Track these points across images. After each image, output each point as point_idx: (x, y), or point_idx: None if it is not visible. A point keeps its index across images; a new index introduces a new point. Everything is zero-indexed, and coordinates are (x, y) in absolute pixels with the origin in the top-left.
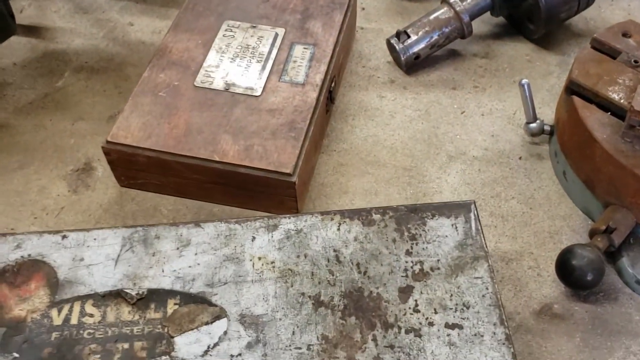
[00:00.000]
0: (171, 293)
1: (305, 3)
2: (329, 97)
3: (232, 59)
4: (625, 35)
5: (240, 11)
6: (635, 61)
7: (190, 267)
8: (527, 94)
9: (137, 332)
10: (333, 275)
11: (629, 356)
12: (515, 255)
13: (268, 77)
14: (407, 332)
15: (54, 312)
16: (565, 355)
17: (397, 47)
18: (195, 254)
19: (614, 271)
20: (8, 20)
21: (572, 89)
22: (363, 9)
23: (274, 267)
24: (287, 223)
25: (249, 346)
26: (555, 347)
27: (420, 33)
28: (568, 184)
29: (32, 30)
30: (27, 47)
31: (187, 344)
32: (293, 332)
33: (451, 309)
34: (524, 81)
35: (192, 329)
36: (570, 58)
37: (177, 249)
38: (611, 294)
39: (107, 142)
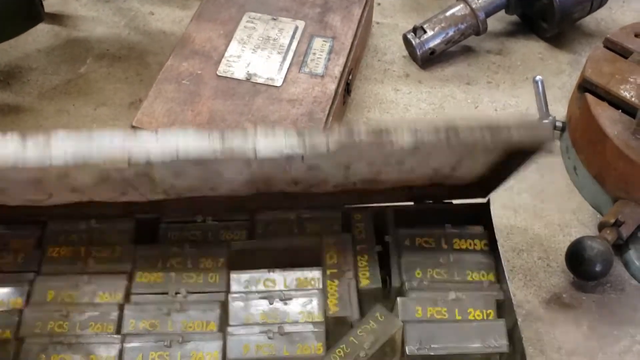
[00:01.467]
0: None
1: None
2: (346, 89)
3: (253, 49)
4: (637, 35)
5: (261, 3)
6: None
7: None
8: (541, 91)
9: None
10: None
11: (634, 345)
12: (526, 247)
13: (288, 68)
14: None
15: None
16: (573, 343)
17: (413, 42)
18: None
19: (622, 263)
20: (39, 7)
21: (585, 86)
22: (379, 4)
23: None
24: None
25: None
26: (563, 335)
27: (436, 29)
28: (578, 178)
29: (55, 18)
30: (51, 34)
31: None
32: None
33: None
34: (538, 78)
35: None
36: (581, 57)
37: None
38: (618, 285)
39: (132, 127)
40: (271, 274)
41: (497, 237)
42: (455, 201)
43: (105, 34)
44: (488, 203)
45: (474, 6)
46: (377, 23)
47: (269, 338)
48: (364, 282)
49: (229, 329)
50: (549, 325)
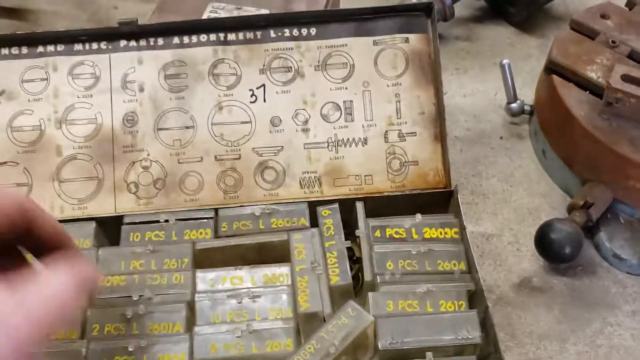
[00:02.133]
0: None
1: None
2: None
3: None
4: (603, 16)
5: None
6: (613, 42)
7: None
8: (508, 74)
9: None
10: None
11: (605, 327)
12: (496, 232)
13: None
14: None
15: None
16: (544, 327)
17: None
18: None
19: (592, 246)
20: None
21: (552, 68)
22: None
23: None
24: None
25: None
26: (534, 319)
27: None
28: (547, 162)
29: (14, 12)
30: (10, 30)
31: None
32: None
33: None
34: (505, 61)
35: None
36: (550, 41)
37: None
38: (589, 267)
39: None
40: (238, 271)
41: (465, 223)
42: (421, 190)
43: (67, 28)
44: (456, 190)
45: None
46: None
47: (237, 337)
48: (334, 279)
49: (196, 329)
50: (519, 309)
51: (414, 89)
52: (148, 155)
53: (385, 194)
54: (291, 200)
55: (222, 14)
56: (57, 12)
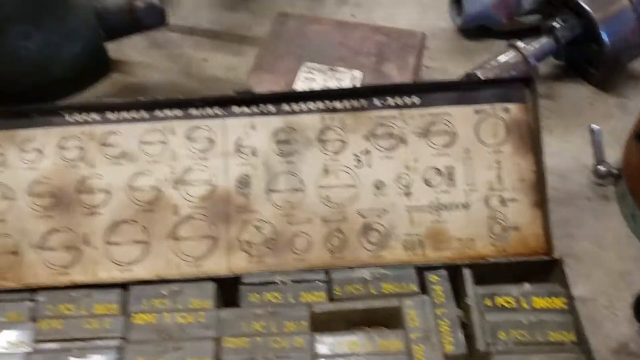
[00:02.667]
0: None
1: (378, 46)
2: None
3: None
4: None
5: (317, 53)
6: None
7: None
8: (597, 139)
9: None
10: None
11: None
12: (590, 295)
13: None
14: None
15: None
16: None
17: None
18: None
19: None
20: (108, 57)
21: None
22: (427, 47)
23: None
24: None
25: None
26: None
27: (489, 76)
28: (637, 226)
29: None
30: (108, 81)
31: None
32: None
33: None
34: (595, 128)
35: None
36: (630, 101)
37: None
38: None
39: None
40: (353, 336)
41: None
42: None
43: (160, 81)
44: (561, 260)
45: (525, 53)
46: (426, 67)
47: None
48: (448, 349)
49: None
50: None
51: (514, 157)
52: (260, 215)
53: (491, 260)
54: (396, 264)
55: (316, 75)
56: (150, 64)
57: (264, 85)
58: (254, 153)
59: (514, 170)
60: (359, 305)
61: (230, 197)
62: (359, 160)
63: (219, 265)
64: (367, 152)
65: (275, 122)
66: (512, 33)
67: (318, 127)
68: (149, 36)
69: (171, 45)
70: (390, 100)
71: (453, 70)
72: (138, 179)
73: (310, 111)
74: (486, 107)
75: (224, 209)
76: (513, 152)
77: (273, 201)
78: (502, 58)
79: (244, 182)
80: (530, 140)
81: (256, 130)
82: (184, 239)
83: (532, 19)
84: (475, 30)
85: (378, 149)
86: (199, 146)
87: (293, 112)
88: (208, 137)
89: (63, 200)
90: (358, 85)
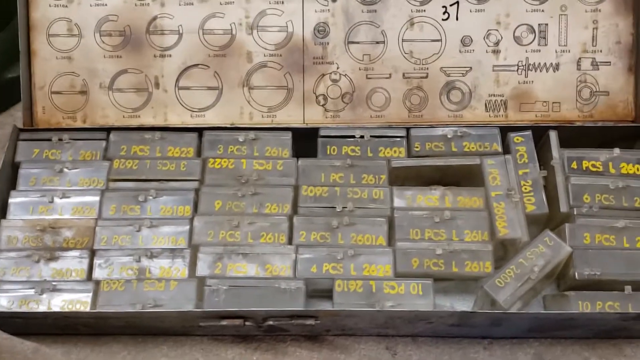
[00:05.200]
0: None
1: None
2: None
3: None
4: None
5: None
6: None
7: None
8: None
9: None
10: None
11: None
12: None
13: None
14: None
15: None
16: None
17: None
18: None
19: None
20: None
21: None
22: None
23: None
24: None
25: None
26: None
27: None
28: None
29: None
30: None
31: None
32: None
33: None
34: None
35: None
36: None
37: None
38: None
39: None
40: (433, 191)
41: None
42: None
43: None
44: None
45: None
46: None
47: (438, 254)
48: (530, 208)
49: (398, 244)
50: None
51: (613, 17)
52: (338, 68)
53: (577, 123)
54: (476, 123)
55: None
56: None
57: None
58: None
59: (611, 32)
60: (439, 161)
61: (307, 47)
62: (446, 13)
63: (294, 117)
64: (457, 3)
65: None
66: None
67: None
68: None
69: None
70: None
71: None
72: (210, 21)
73: None
74: None
75: (299, 59)
76: (613, 11)
77: (352, 53)
78: None
79: (322, 31)
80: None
81: None
82: (258, 87)
83: None
84: None
85: (468, 1)
86: None
87: None
88: None
89: (132, 40)
90: None
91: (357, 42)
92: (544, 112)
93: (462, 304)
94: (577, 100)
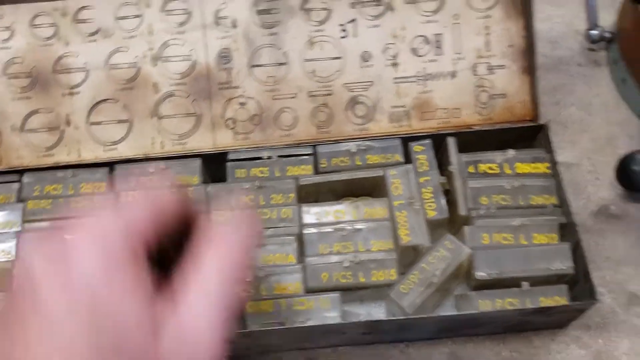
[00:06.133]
0: None
1: None
2: None
3: None
4: None
5: None
6: None
7: None
8: (591, 3)
9: None
10: None
11: None
12: (575, 161)
13: None
14: None
15: None
16: (622, 252)
17: None
18: None
19: None
20: None
21: None
22: None
23: None
24: None
25: None
26: (612, 245)
27: None
28: (627, 90)
29: None
30: None
31: None
32: None
33: None
34: None
35: None
36: None
37: None
38: None
39: None
40: (339, 205)
41: None
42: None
43: None
44: (547, 125)
45: None
46: None
47: (345, 267)
48: (431, 214)
49: (307, 260)
50: (597, 235)
51: (504, 22)
52: (244, 92)
53: (476, 128)
54: (382, 135)
55: None
56: None
57: None
58: (234, 24)
59: (504, 36)
60: (344, 175)
61: (211, 73)
62: (344, 30)
63: (204, 142)
64: (353, 21)
65: None
66: None
67: None
68: None
69: None
70: None
71: None
72: (115, 56)
73: None
74: None
75: (205, 86)
76: (503, 16)
77: (256, 76)
78: None
79: (225, 57)
80: (522, 3)
81: (234, 0)
82: (167, 116)
83: None
84: None
85: (364, 18)
86: (176, 19)
87: None
88: (184, 8)
89: (40, 80)
90: None
91: (261, 65)
92: (444, 119)
93: (378, 311)
94: (475, 105)
